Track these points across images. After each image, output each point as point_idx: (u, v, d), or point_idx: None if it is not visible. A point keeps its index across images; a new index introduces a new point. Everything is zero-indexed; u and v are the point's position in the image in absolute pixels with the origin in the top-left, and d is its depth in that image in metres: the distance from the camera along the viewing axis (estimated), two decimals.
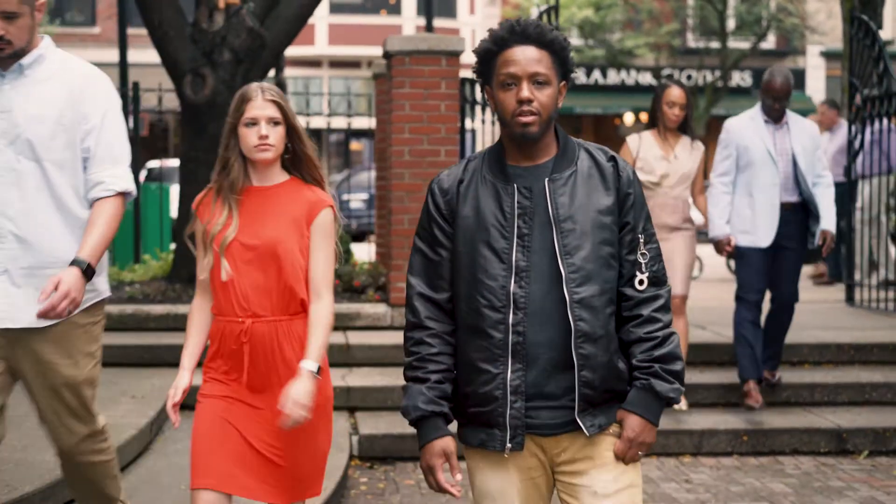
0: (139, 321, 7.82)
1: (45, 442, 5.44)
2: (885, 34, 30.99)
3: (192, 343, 3.61)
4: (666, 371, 2.89)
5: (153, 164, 21.63)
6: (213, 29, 8.56)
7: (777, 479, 6.12)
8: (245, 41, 8.57)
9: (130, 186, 3.79)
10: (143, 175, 19.99)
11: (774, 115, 6.76)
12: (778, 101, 6.69)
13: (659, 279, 2.96)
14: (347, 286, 8.56)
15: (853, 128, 10.02)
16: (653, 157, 6.79)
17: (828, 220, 6.77)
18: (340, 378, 7.12)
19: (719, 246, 6.79)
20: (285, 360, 3.49)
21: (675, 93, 6.77)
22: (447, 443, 2.92)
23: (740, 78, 32.01)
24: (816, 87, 32.41)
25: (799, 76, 32.73)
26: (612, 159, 2.98)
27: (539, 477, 2.97)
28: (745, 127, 6.82)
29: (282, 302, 3.49)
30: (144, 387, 6.70)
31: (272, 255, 3.47)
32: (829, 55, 30.89)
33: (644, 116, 33.88)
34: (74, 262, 3.67)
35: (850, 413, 6.99)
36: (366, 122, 15.79)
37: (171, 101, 9.69)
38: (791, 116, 6.86)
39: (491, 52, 2.93)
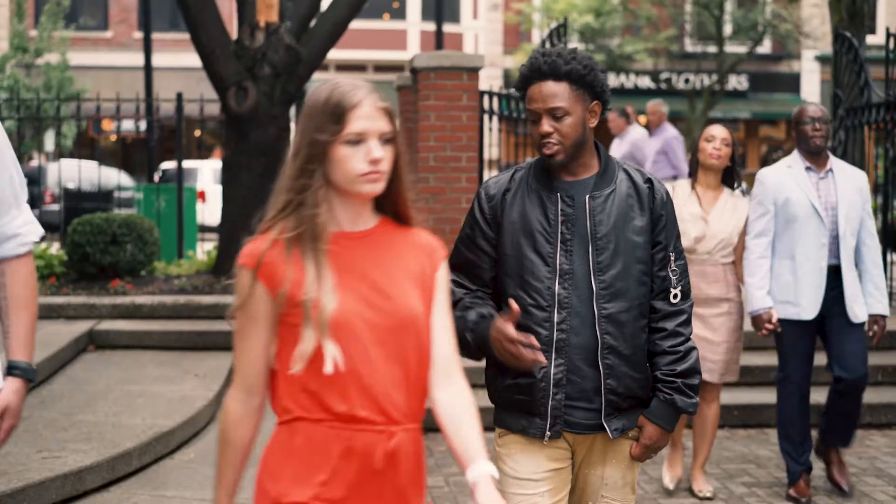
0: (191, 310, 8.65)
1: (135, 408, 6.32)
2: (877, 39, 31.90)
3: (233, 473, 2.47)
4: (687, 386, 3.11)
5: (166, 165, 22.43)
6: (255, 46, 9.43)
7: (763, 447, 6.97)
8: (283, 57, 9.43)
9: (41, 230, 3.06)
10: (157, 176, 20.85)
11: (815, 148, 5.69)
12: (818, 122, 5.65)
13: (687, 293, 3.17)
14: None
15: (837, 136, 10.88)
16: (688, 214, 5.62)
17: (879, 301, 5.75)
18: None
19: (759, 322, 5.67)
20: (415, 483, 2.47)
21: (715, 128, 5.68)
22: (500, 321, 2.95)
23: (737, 81, 32.74)
24: (811, 90, 33.15)
25: (794, 80, 33.52)
26: (649, 181, 3.17)
27: (566, 468, 3.17)
28: (784, 177, 5.73)
29: (418, 397, 2.47)
30: (204, 366, 7.54)
31: (411, 331, 2.43)
32: (823, 59, 31.66)
33: (643, 119, 34.64)
34: (16, 371, 2.92)
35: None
36: None
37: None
38: (836, 163, 5.83)
39: (522, 90, 3.15)
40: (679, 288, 3.13)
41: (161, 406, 6.35)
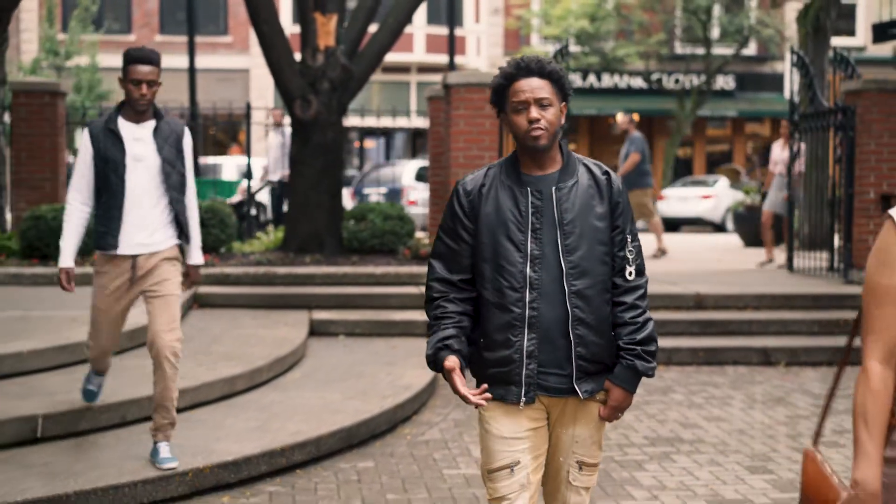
0: (269, 278, 10.81)
1: (251, 344, 8.42)
2: (857, 41, 33.84)
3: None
4: (646, 352, 3.46)
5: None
6: (316, 65, 11.60)
7: (721, 377, 9.14)
8: (339, 74, 11.60)
9: None
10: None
11: None
12: None
13: (641, 271, 3.51)
14: (415, 254, 11.59)
15: (793, 138, 13.07)
16: None
17: None
18: (421, 316, 10.10)
19: None
20: None
21: None
22: (453, 360, 3.34)
23: (724, 82, 34.68)
24: (794, 90, 35.11)
25: (778, 80, 35.53)
26: (606, 174, 3.50)
27: (542, 428, 3.50)
28: None
29: None
30: (289, 319, 9.69)
31: None
32: None
33: (636, 117, 36.55)
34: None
35: (775, 339, 10.03)
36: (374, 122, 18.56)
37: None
38: None
39: (503, 86, 3.43)
40: (634, 266, 3.48)
41: (269, 342, 8.51)
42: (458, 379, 3.31)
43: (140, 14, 34.93)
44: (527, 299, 3.36)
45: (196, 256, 5.92)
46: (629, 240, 3.48)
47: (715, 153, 37.59)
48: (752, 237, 17.69)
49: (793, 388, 8.70)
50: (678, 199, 26.89)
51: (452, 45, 21.50)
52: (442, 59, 31.87)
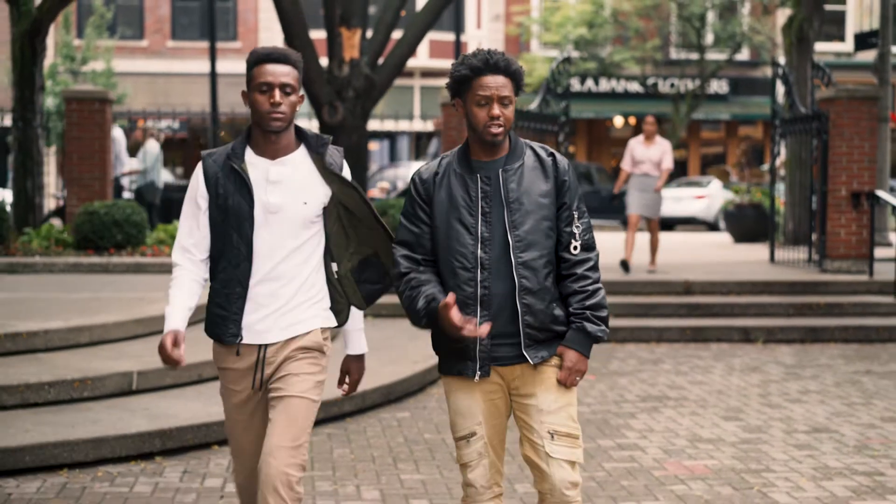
0: None
1: None
2: (846, 47, 34.93)
3: None
4: (595, 316, 3.63)
5: None
6: (342, 75, 12.84)
7: (706, 352, 10.36)
8: (363, 83, 12.85)
9: None
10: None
11: None
12: None
13: (589, 245, 3.68)
14: None
15: (774, 140, 14.31)
16: None
17: None
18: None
19: None
20: None
21: None
22: (451, 296, 3.50)
23: (718, 86, 35.79)
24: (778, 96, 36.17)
25: (770, 84, 36.57)
26: (552, 154, 3.68)
27: (499, 399, 3.70)
28: None
29: None
30: None
31: None
32: None
33: (633, 120, 37.74)
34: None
35: (755, 319, 11.27)
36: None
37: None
38: None
39: (467, 77, 3.56)
40: (580, 241, 3.66)
41: None
42: (455, 313, 3.44)
43: (153, 20, 35.93)
44: (478, 279, 3.57)
45: (357, 343, 4.10)
46: (576, 216, 3.66)
47: (709, 155, 38.76)
48: (741, 234, 18.97)
49: (768, 360, 9.93)
50: (673, 200, 27.99)
51: (458, 52, 22.71)
52: (444, 63, 33.02)
